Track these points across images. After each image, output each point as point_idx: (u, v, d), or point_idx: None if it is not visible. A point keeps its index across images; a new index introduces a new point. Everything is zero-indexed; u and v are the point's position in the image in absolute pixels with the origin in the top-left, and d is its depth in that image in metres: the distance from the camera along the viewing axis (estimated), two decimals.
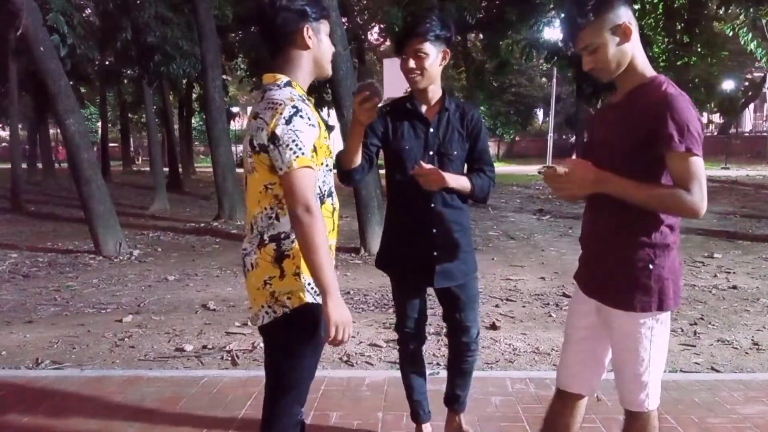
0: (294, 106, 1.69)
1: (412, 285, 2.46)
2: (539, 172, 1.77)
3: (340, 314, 1.68)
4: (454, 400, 2.63)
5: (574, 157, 1.75)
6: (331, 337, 1.69)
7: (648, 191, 1.68)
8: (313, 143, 1.71)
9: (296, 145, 1.66)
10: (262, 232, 1.79)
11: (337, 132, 7.86)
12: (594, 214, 1.87)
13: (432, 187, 2.21)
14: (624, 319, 1.79)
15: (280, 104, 1.70)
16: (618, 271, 1.79)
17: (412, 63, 2.23)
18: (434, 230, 2.34)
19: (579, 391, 2.01)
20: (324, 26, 1.83)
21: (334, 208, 1.89)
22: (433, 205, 2.33)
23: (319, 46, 1.82)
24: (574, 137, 25.86)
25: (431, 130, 2.33)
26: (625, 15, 1.72)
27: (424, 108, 2.35)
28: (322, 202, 1.83)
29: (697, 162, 1.66)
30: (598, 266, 1.86)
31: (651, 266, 1.75)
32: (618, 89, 1.85)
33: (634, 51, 1.76)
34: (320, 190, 1.81)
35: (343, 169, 2.21)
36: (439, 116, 2.34)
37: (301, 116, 1.69)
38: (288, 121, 1.67)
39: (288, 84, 1.78)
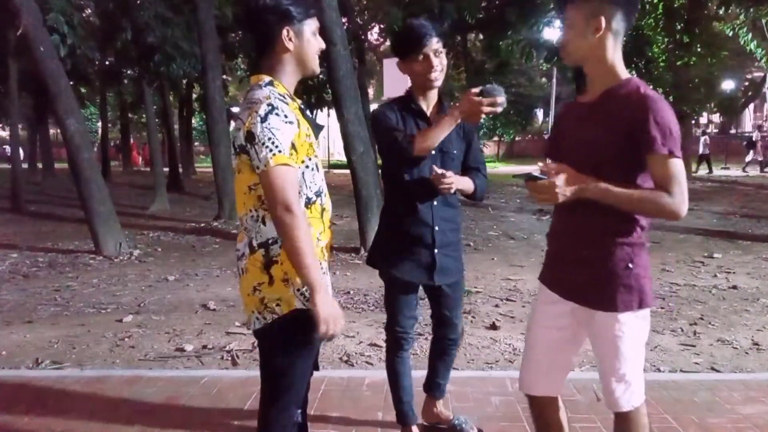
0: (269, 104, 1.69)
1: (410, 283, 2.46)
2: (515, 177, 1.78)
3: (330, 311, 1.69)
4: (435, 388, 2.70)
5: (549, 161, 1.74)
6: (323, 333, 1.69)
7: (629, 195, 1.68)
8: (291, 140, 1.69)
9: (272, 142, 1.65)
10: (251, 237, 1.79)
11: (336, 131, 7.86)
12: (569, 215, 1.85)
13: (449, 191, 2.29)
14: (607, 319, 1.79)
15: (257, 103, 1.70)
16: (600, 273, 1.79)
17: (436, 62, 2.28)
18: (436, 228, 2.39)
19: (546, 394, 2.01)
20: (309, 26, 1.81)
21: (323, 209, 1.87)
22: (435, 204, 2.38)
23: (302, 47, 1.81)
24: None
25: None
26: (605, 12, 1.73)
27: (425, 108, 2.41)
28: (311, 203, 1.81)
29: (679, 164, 1.68)
30: (577, 268, 1.84)
31: (631, 265, 1.77)
32: (589, 88, 1.87)
33: (607, 50, 1.76)
34: (306, 190, 1.79)
35: (416, 156, 2.26)
36: (439, 116, 2.38)
37: (277, 114, 1.68)
38: (264, 119, 1.66)
39: (270, 83, 1.78)
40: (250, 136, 1.68)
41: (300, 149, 1.74)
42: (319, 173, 1.86)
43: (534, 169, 1.75)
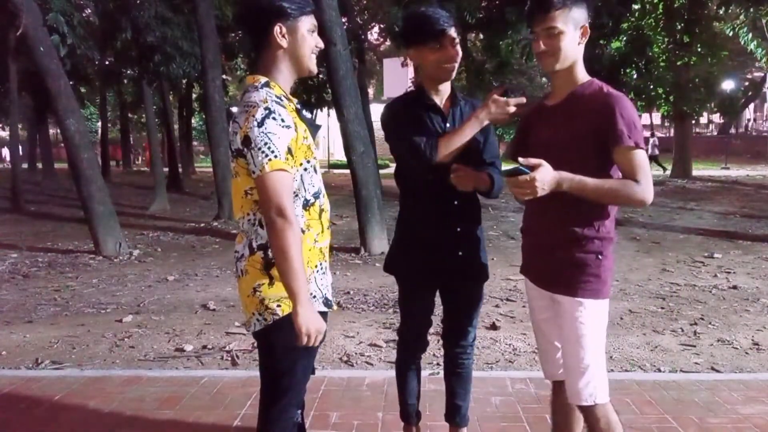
0: (266, 108, 1.67)
1: (433, 287, 2.37)
2: (502, 173, 1.79)
3: (310, 321, 1.68)
4: (455, 413, 2.53)
5: (530, 159, 1.76)
6: (302, 345, 1.70)
7: (601, 185, 1.79)
8: (287, 145, 1.67)
9: (268, 147, 1.64)
10: (250, 240, 1.78)
11: (336, 131, 7.86)
12: (543, 208, 1.92)
13: (468, 187, 2.19)
14: (573, 306, 1.87)
15: (254, 106, 1.68)
16: (570, 262, 1.88)
17: (455, 51, 2.19)
18: (458, 228, 2.29)
19: (562, 377, 2.06)
20: (304, 23, 1.77)
21: (322, 210, 1.86)
22: (456, 203, 2.26)
23: (296, 44, 1.77)
24: None
25: (448, 124, 2.27)
26: (586, 18, 1.86)
27: (438, 102, 2.30)
28: (310, 205, 1.80)
29: (643, 155, 1.81)
30: (550, 258, 1.94)
31: (600, 257, 1.88)
32: (554, 91, 1.97)
33: (581, 54, 1.90)
34: (305, 192, 1.78)
35: (438, 161, 2.12)
36: (452, 110, 2.29)
37: (274, 118, 1.66)
38: (260, 124, 1.65)
39: (266, 85, 1.76)
40: (247, 141, 1.66)
41: (297, 153, 1.73)
42: (317, 174, 1.84)
43: (518, 165, 1.76)
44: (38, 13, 7.45)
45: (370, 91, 27.67)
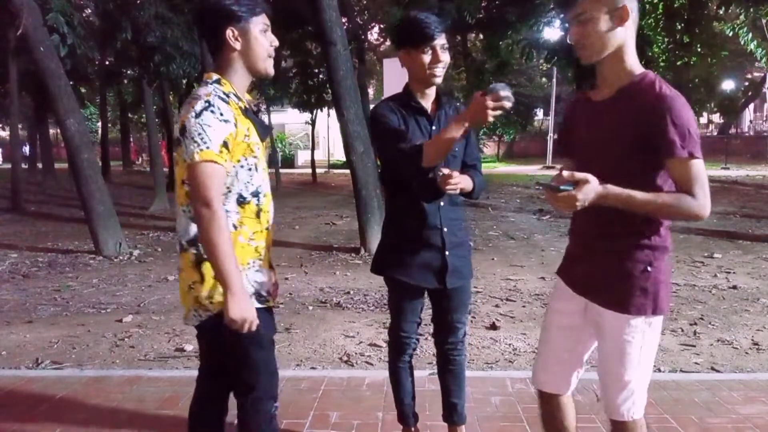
0: (207, 101, 1.70)
1: (420, 288, 2.40)
2: (538, 184, 1.69)
3: (241, 310, 1.69)
4: (452, 411, 2.55)
5: (575, 173, 1.63)
6: (236, 330, 1.72)
7: (651, 201, 1.62)
8: (223, 138, 1.69)
9: (201, 138, 1.66)
10: (181, 236, 1.81)
11: (336, 131, 7.84)
12: (591, 212, 1.76)
13: (455, 190, 2.21)
14: (617, 321, 1.74)
15: (196, 99, 1.71)
16: (616, 272, 1.74)
17: (443, 56, 2.22)
18: (444, 229, 2.33)
19: (557, 391, 1.98)
20: (255, 24, 1.79)
21: (260, 209, 1.85)
22: (442, 204, 2.32)
23: (249, 45, 1.79)
24: None
25: (434, 127, 2.31)
26: (627, 0, 1.67)
27: (424, 104, 2.34)
28: (246, 202, 1.80)
29: (699, 165, 1.63)
30: (594, 265, 1.80)
31: (650, 268, 1.72)
32: (602, 84, 1.77)
33: (626, 42, 1.68)
34: (241, 188, 1.79)
35: (424, 166, 2.14)
36: (438, 113, 2.34)
37: (212, 111, 1.69)
38: (198, 115, 1.68)
39: (216, 81, 1.79)
40: (183, 130, 1.70)
41: (235, 149, 1.74)
42: (258, 174, 1.83)
43: (560, 179, 1.64)
44: (38, 13, 7.45)
45: (370, 91, 27.64)
